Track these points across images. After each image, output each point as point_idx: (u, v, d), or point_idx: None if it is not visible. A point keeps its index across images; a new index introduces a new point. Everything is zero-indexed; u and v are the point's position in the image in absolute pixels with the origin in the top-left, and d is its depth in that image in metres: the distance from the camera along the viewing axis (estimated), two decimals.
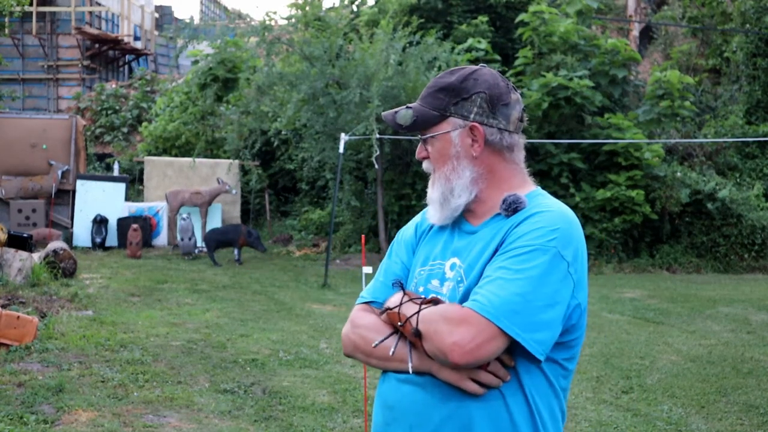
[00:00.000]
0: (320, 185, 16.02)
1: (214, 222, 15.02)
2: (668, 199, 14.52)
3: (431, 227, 2.03)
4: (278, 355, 6.87)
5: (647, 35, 22.25)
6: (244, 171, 16.27)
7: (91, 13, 25.84)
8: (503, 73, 16.02)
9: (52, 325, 7.31)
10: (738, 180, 15.94)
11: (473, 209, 1.92)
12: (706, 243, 14.68)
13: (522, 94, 15.00)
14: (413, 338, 1.80)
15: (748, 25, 17.66)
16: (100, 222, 14.24)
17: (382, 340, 1.87)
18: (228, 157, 16.20)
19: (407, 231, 2.10)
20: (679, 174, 14.89)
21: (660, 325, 8.90)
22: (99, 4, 25.95)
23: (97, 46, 25.66)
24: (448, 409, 1.79)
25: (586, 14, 16.51)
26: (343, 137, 11.87)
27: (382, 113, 2.01)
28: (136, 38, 27.87)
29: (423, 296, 1.87)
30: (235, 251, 13.22)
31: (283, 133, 15.35)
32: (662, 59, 20.82)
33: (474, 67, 1.97)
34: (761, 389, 6.25)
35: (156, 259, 13.36)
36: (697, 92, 18.06)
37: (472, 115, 1.89)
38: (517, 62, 15.91)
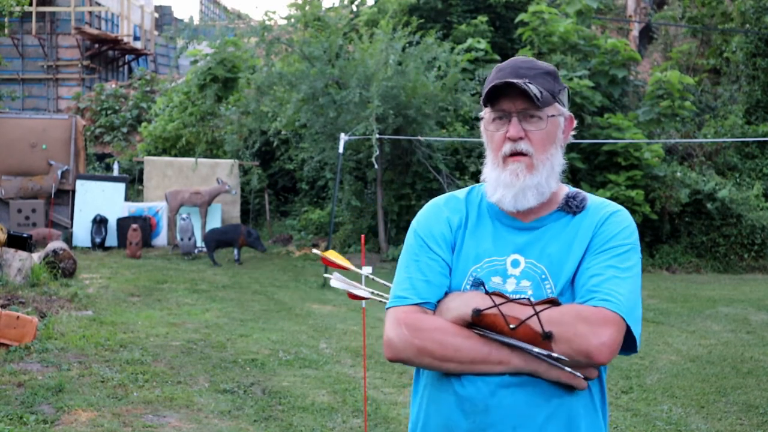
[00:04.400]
0: (320, 185, 16.02)
1: (214, 222, 15.02)
2: (668, 199, 14.52)
3: (467, 223, 1.95)
4: (278, 355, 6.87)
5: (647, 35, 22.25)
6: (244, 171, 16.27)
7: (90, 13, 25.83)
8: None
9: (51, 325, 7.31)
10: (738, 180, 15.94)
11: None
12: (706, 243, 14.68)
13: None
14: (540, 341, 1.74)
15: (747, 25, 17.66)
16: (99, 222, 14.24)
17: (504, 341, 1.78)
18: (228, 157, 16.19)
19: (438, 226, 1.95)
20: (678, 174, 14.89)
21: (660, 325, 8.90)
22: (99, 4, 25.95)
23: (96, 46, 25.65)
24: (552, 406, 1.80)
25: (585, 14, 16.51)
26: (343, 137, 11.87)
27: (513, 80, 1.82)
28: (136, 38, 27.86)
29: (510, 296, 1.80)
30: (235, 251, 13.21)
31: (282, 133, 15.35)
32: (662, 59, 20.82)
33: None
34: (761, 389, 6.25)
35: (156, 259, 13.36)
36: (697, 92, 18.05)
37: (566, 105, 1.92)
38: None
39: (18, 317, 6.54)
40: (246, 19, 20.02)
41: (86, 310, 8.30)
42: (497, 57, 16.45)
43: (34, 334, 6.60)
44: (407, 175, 14.69)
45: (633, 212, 14.31)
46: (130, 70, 27.54)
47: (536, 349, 1.74)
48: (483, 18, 17.12)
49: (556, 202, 1.90)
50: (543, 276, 1.83)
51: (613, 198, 14.25)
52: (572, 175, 15.06)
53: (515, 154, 1.86)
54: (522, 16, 15.73)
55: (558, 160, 1.88)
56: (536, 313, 1.73)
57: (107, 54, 26.51)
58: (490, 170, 1.92)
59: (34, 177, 15.03)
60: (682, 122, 16.24)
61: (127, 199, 15.36)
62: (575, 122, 1.93)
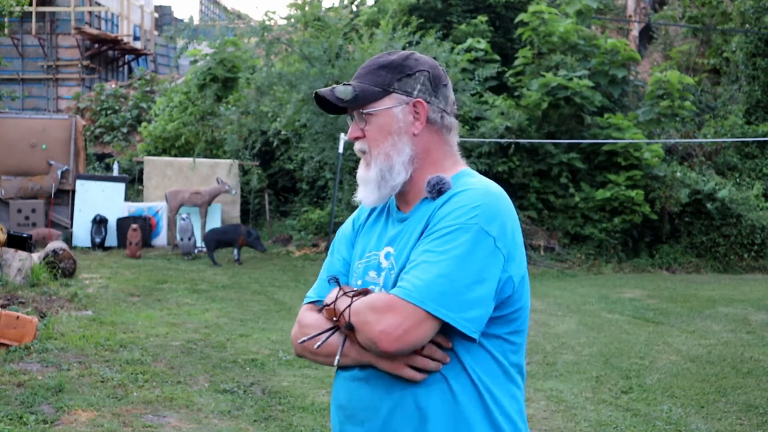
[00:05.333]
0: (320, 185, 16.02)
1: (214, 222, 15.02)
2: (668, 199, 14.52)
3: (367, 220, 2.03)
4: (278, 355, 6.87)
5: (647, 35, 22.25)
6: (244, 171, 16.27)
7: (90, 13, 25.83)
8: (503, 72, 16.05)
9: (51, 325, 7.31)
10: (737, 180, 15.94)
11: (405, 192, 1.91)
12: (706, 243, 14.69)
13: (522, 95, 15.13)
14: (347, 331, 1.79)
15: (747, 25, 17.66)
16: (99, 222, 14.23)
17: (314, 336, 1.86)
18: (228, 157, 16.19)
19: (346, 226, 2.09)
20: (678, 174, 14.89)
21: (659, 325, 8.90)
22: (98, 4, 25.95)
23: (96, 46, 25.66)
24: (393, 399, 1.78)
25: (585, 14, 16.50)
26: (343, 137, 11.87)
27: (318, 90, 1.92)
28: (136, 38, 27.87)
29: (356, 289, 1.87)
30: (235, 251, 13.21)
31: (282, 133, 15.35)
32: (662, 59, 20.82)
33: (409, 51, 1.98)
34: (761, 389, 6.25)
35: (155, 259, 13.36)
36: (697, 92, 18.05)
37: (415, 92, 1.89)
38: (516, 62, 15.91)
39: (18, 317, 6.54)
40: (246, 19, 20.02)
41: (86, 310, 8.30)
42: (497, 57, 16.45)
43: (34, 334, 6.60)
44: None
45: (633, 212, 14.31)
46: (130, 70, 27.55)
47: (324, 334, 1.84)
48: (483, 18, 17.11)
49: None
50: (391, 267, 1.87)
51: (612, 198, 14.27)
52: (572, 175, 15.08)
53: (360, 153, 1.94)
54: (522, 16, 15.73)
55: (401, 148, 1.88)
56: (349, 305, 1.78)
57: (107, 54, 26.51)
58: None
59: (34, 177, 15.03)
60: (682, 122, 16.24)
61: (127, 199, 15.36)
62: (426, 105, 1.88)
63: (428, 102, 1.89)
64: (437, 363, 1.75)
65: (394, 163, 1.87)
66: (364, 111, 1.89)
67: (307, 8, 14.91)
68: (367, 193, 1.91)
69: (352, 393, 1.85)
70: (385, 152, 1.88)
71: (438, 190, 1.84)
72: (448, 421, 1.76)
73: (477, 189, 1.80)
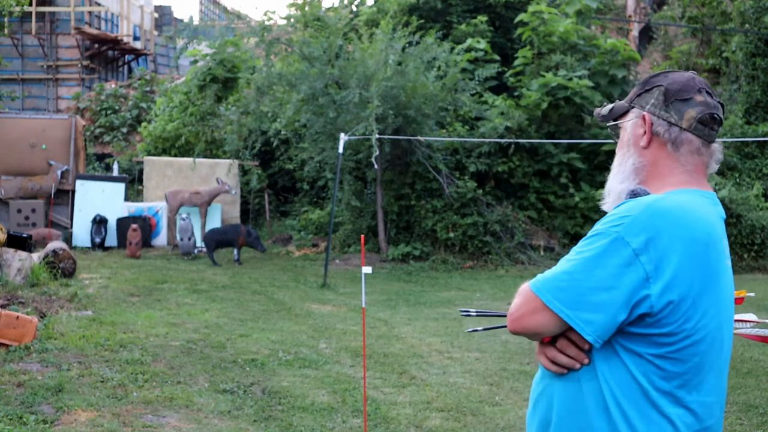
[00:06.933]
0: (320, 185, 16.02)
1: (214, 222, 15.02)
2: None
3: None
4: (278, 355, 6.87)
5: (647, 35, 22.26)
6: (244, 171, 16.28)
7: (90, 13, 25.84)
8: (502, 72, 16.04)
9: (51, 325, 7.31)
10: (737, 180, 15.94)
11: None
12: None
13: (521, 95, 15.13)
14: None
15: (747, 25, 17.66)
16: (99, 222, 14.24)
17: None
18: (228, 157, 16.20)
19: None
20: None
21: None
22: (98, 4, 25.96)
23: (96, 46, 25.66)
24: (541, 385, 1.91)
25: (585, 14, 16.51)
26: (343, 137, 11.87)
27: (595, 111, 2.12)
28: (136, 38, 27.87)
29: None
30: (235, 251, 13.22)
31: (282, 133, 15.35)
32: (662, 59, 20.83)
33: (673, 70, 2.03)
34: (760, 389, 6.26)
35: (155, 259, 13.36)
36: None
37: (648, 106, 1.95)
38: (516, 62, 15.91)
39: (18, 317, 6.54)
40: (246, 20, 20.01)
41: (86, 310, 8.30)
42: (497, 57, 16.45)
43: (33, 334, 6.60)
44: (407, 175, 14.69)
45: None
46: (130, 70, 27.55)
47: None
48: (483, 18, 17.12)
49: None
50: None
51: None
52: (572, 175, 15.07)
53: None
54: (522, 16, 15.73)
55: (626, 160, 1.99)
56: None
57: (107, 54, 26.51)
58: None
59: (33, 177, 15.03)
60: None
61: (126, 199, 15.36)
62: (650, 118, 1.96)
63: (655, 115, 1.92)
64: (571, 360, 1.80)
65: (617, 173, 1.96)
66: (611, 124, 2.05)
67: (306, 8, 14.92)
68: (604, 197, 2.01)
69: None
70: (618, 162, 1.98)
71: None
72: (570, 419, 1.82)
73: (641, 201, 1.79)
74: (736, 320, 2.85)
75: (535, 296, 1.77)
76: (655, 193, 1.87)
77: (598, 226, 1.80)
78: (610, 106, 2.05)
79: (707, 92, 1.92)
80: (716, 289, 1.79)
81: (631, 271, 1.72)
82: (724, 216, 1.94)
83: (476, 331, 2.38)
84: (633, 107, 1.98)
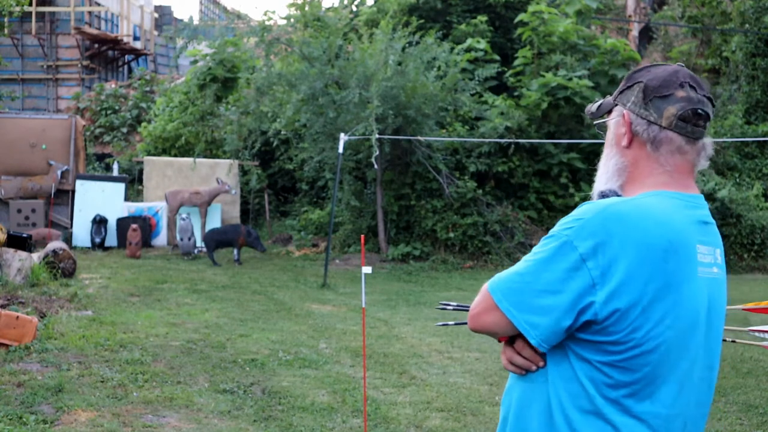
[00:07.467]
0: (320, 185, 16.02)
1: (214, 222, 15.02)
2: None
3: None
4: (278, 355, 6.87)
5: (647, 35, 22.26)
6: (244, 171, 16.28)
7: (90, 13, 25.84)
8: (502, 72, 16.04)
9: (51, 325, 7.31)
10: (737, 180, 15.95)
11: None
12: None
13: (521, 95, 15.13)
14: None
15: (747, 25, 17.67)
16: (99, 222, 14.24)
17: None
18: (228, 157, 16.20)
19: None
20: None
21: None
22: (98, 4, 25.96)
23: (96, 46, 25.66)
24: (509, 384, 1.92)
25: (585, 14, 16.51)
26: (343, 137, 11.87)
27: (587, 108, 2.06)
28: (136, 38, 27.87)
29: None
30: (235, 251, 13.21)
31: (282, 133, 15.35)
32: (662, 59, 20.82)
33: (657, 63, 1.92)
34: (760, 389, 6.26)
35: (155, 259, 13.36)
36: None
37: (628, 104, 1.87)
38: (516, 62, 15.91)
39: (18, 317, 6.54)
40: (246, 20, 20.05)
41: (86, 310, 8.30)
42: (497, 57, 16.45)
43: (33, 334, 6.60)
44: (407, 175, 14.69)
45: None
46: (130, 70, 27.55)
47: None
48: (483, 18, 17.12)
49: None
50: None
51: None
52: (572, 175, 15.07)
53: None
54: (522, 16, 15.73)
55: (609, 160, 1.98)
56: None
57: (107, 54, 26.51)
58: None
59: (33, 177, 15.03)
60: None
61: (126, 199, 15.36)
62: (630, 116, 1.88)
63: (635, 113, 1.85)
64: (526, 362, 1.79)
65: (601, 174, 1.95)
66: (596, 122, 2.01)
67: (306, 8, 14.91)
68: (591, 197, 1.96)
69: None
70: (603, 161, 1.96)
71: None
72: (520, 419, 1.82)
73: (596, 204, 1.73)
74: (759, 331, 2.81)
75: (489, 295, 1.76)
76: (631, 195, 1.81)
77: (554, 228, 1.75)
78: (599, 102, 1.99)
79: (691, 86, 1.83)
80: (677, 296, 1.69)
81: (578, 276, 1.67)
82: (707, 220, 1.84)
83: (446, 325, 2.41)
84: (617, 105, 1.91)
